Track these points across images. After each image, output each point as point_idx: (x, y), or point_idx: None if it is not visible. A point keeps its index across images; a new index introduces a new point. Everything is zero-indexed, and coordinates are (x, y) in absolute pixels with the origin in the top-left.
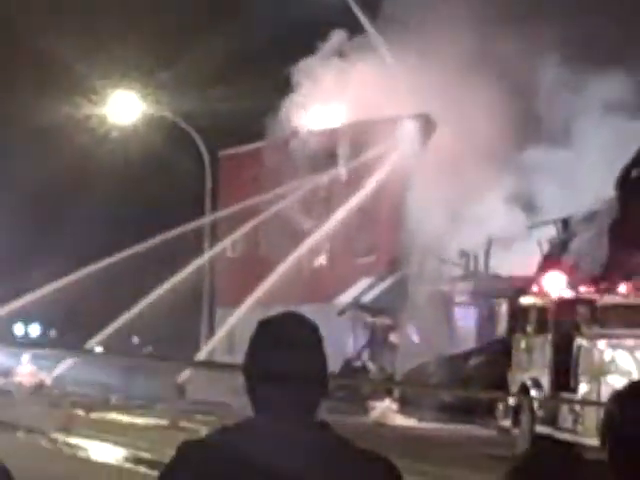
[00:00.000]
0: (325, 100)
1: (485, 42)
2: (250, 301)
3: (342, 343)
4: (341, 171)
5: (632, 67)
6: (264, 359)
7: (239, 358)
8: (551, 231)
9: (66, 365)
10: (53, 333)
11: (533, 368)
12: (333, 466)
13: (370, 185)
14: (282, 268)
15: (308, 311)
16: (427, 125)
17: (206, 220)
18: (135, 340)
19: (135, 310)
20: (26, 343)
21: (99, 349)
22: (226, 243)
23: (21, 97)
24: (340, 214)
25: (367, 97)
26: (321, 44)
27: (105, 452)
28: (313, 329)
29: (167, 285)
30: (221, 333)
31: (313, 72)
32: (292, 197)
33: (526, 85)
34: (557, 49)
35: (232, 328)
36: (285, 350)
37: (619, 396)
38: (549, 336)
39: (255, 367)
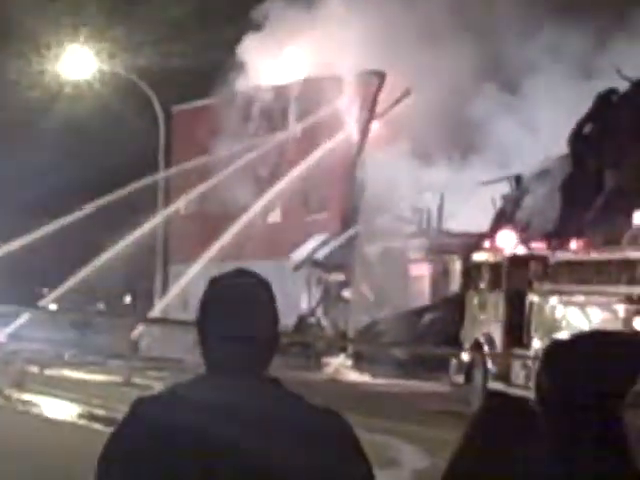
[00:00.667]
0: (278, 54)
1: None
2: (204, 258)
3: (296, 299)
4: (294, 128)
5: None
6: (216, 316)
7: (193, 315)
8: (504, 188)
9: (19, 322)
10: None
11: (486, 324)
12: (285, 421)
13: (323, 142)
14: (236, 225)
15: (262, 267)
16: (379, 81)
17: (159, 176)
18: (99, 305)
19: (90, 267)
20: None
21: (53, 307)
22: (182, 201)
23: None
24: (294, 171)
25: (320, 52)
26: None
27: (59, 409)
28: (264, 286)
29: (121, 242)
30: (175, 290)
31: (268, 23)
32: (245, 154)
33: (481, 36)
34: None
35: (186, 285)
36: (236, 307)
37: (544, 358)
38: (502, 292)
39: (207, 324)
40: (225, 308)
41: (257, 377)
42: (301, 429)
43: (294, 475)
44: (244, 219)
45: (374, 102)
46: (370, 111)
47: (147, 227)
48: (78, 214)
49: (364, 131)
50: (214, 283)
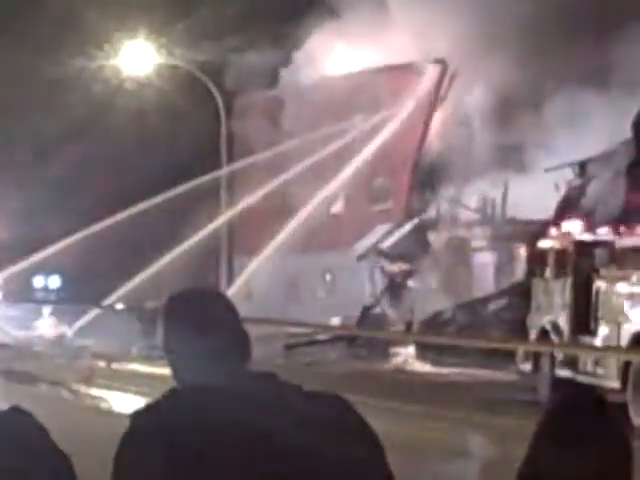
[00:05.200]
0: (343, 44)
1: None
2: (269, 250)
3: (360, 290)
4: (360, 118)
5: None
6: (184, 338)
7: (256, 306)
8: (568, 174)
9: (87, 317)
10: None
11: (552, 312)
12: (286, 411)
13: (387, 132)
14: (299, 216)
15: (326, 258)
16: (443, 69)
17: (223, 171)
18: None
19: (156, 265)
20: (48, 298)
21: (120, 306)
22: (253, 195)
23: (35, 49)
24: (357, 161)
25: (384, 42)
26: None
27: (126, 403)
28: (225, 305)
29: (187, 237)
30: (240, 283)
31: (333, 12)
32: (310, 146)
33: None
34: None
35: (249, 277)
36: (204, 330)
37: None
38: (568, 279)
39: (177, 337)
40: (193, 330)
41: (249, 374)
42: (305, 415)
43: (308, 463)
44: (308, 210)
45: (438, 91)
46: (434, 100)
47: (212, 220)
48: (141, 208)
49: (427, 120)
50: (175, 302)
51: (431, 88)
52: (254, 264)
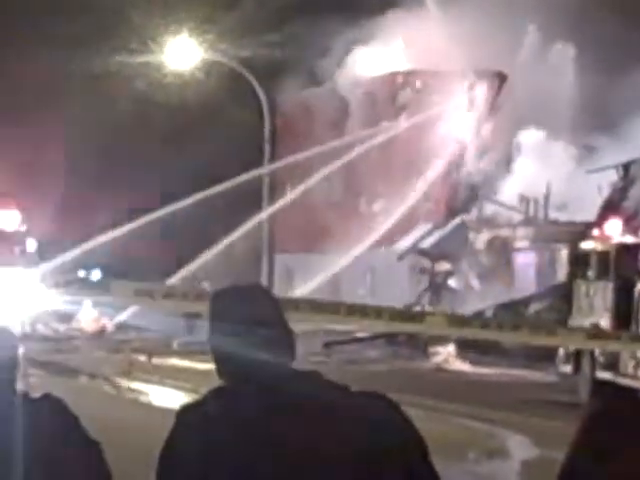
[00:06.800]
0: (386, 44)
1: None
2: (310, 248)
3: (402, 288)
4: (402, 118)
5: None
6: (230, 335)
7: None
8: (611, 176)
9: (128, 311)
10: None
11: (594, 314)
12: (332, 410)
13: (429, 132)
14: (340, 214)
15: (367, 257)
16: (500, 81)
17: (265, 169)
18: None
19: (197, 261)
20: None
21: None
22: (291, 194)
23: (80, 45)
24: (400, 161)
25: (427, 45)
26: None
27: (166, 397)
28: (261, 288)
29: (229, 234)
30: (280, 279)
31: (373, 17)
32: (352, 145)
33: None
34: None
35: (290, 272)
36: (250, 326)
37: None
38: (610, 281)
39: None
40: (241, 324)
41: (295, 374)
42: (351, 416)
43: (355, 464)
44: (348, 208)
45: (494, 102)
46: (489, 110)
47: (254, 218)
48: (182, 205)
49: (478, 129)
50: (217, 300)
51: (485, 96)
52: (295, 262)
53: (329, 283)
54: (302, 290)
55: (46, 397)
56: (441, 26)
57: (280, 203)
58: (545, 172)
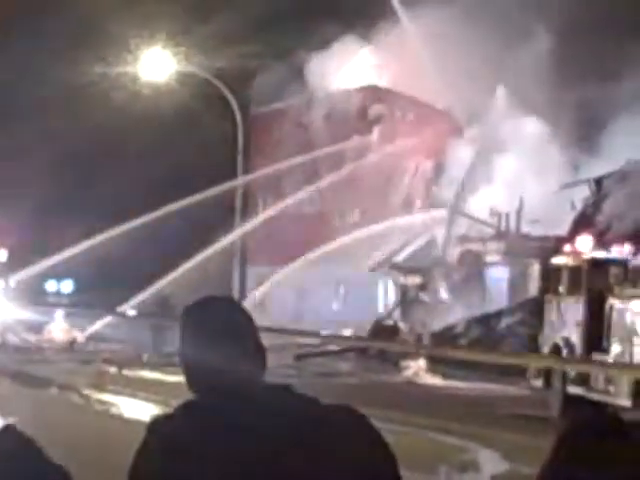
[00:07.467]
0: (359, 57)
1: None
2: (283, 261)
3: (373, 302)
4: (375, 131)
5: None
6: (200, 347)
7: (270, 318)
8: (583, 191)
9: (99, 323)
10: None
11: (565, 328)
12: (302, 424)
13: (403, 146)
14: (314, 227)
15: (340, 270)
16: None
17: (239, 181)
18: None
19: (171, 273)
20: (61, 302)
21: (132, 312)
22: (268, 206)
23: (54, 56)
24: (373, 173)
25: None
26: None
27: (137, 409)
28: (236, 306)
29: (202, 246)
30: (253, 294)
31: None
32: (324, 157)
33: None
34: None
35: (263, 288)
36: (221, 339)
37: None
38: (581, 296)
39: (192, 349)
40: (210, 340)
41: (265, 388)
42: (320, 429)
43: (324, 475)
44: (319, 220)
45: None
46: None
47: (227, 230)
48: (155, 216)
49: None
50: (189, 313)
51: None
52: (268, 275)
53: (302, 297)
54: (275, 305)
55: (5, 429)
56: (422, 55)
57: (254, 221)
58: (518, 186)
